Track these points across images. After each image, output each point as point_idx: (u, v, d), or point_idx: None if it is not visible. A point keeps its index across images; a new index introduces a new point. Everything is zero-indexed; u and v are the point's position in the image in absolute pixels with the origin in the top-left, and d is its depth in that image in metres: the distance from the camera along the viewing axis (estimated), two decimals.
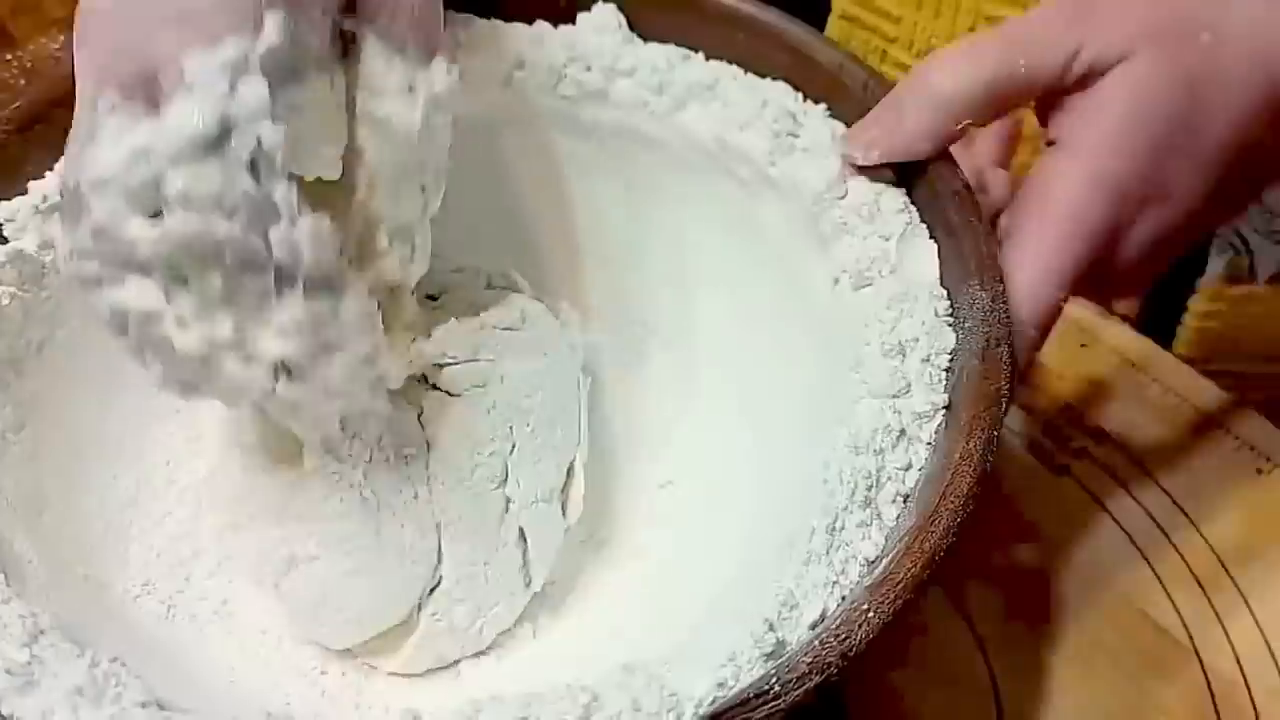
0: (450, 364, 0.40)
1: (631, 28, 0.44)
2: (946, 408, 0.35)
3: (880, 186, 0.40)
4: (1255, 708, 0.45)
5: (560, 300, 0.45)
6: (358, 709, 0.41)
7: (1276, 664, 0.47)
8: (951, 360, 0.36)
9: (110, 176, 0.33)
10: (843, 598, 0.32)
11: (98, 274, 0.34)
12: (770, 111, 0.41)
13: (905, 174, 0.40)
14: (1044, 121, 0.40)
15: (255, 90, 0.32)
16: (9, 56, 0.43)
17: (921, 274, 0.38)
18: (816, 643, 0.30)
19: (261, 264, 0.33)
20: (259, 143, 0.32)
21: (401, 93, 0.36)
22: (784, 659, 0.31)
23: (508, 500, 0.41)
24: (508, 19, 0.44)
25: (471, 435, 0.40)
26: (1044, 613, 0.48)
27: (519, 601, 0.42)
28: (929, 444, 0.35)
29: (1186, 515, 0.50)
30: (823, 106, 0.42)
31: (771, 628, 0.32)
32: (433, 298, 0.44)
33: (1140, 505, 0.51)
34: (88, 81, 0.34)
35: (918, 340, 0.36)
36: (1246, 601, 0.48)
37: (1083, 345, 0.55)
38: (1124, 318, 0.57)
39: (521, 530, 0.41)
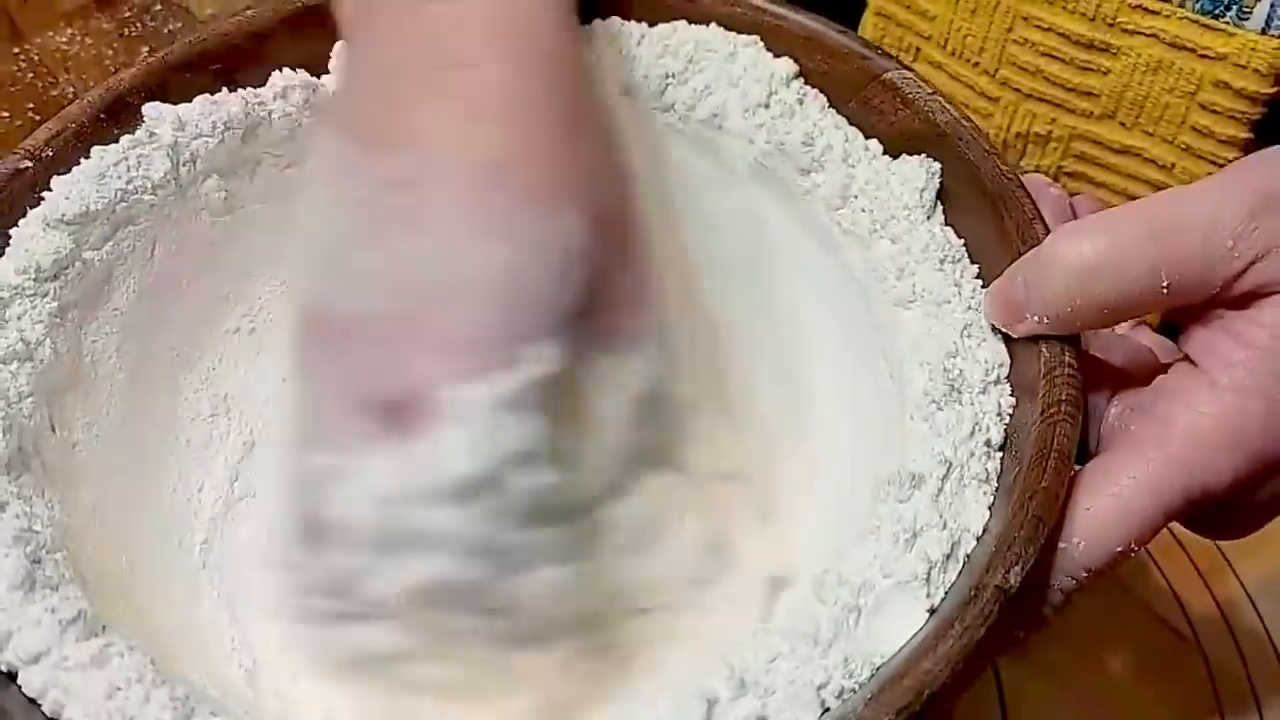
0: None
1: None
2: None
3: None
4: (1258, 701, 0.45)
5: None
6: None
7: (1278, 655, 0.47)
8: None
9: (360, 526, 0.31)
10: None
11: (336, 612, 0.32)
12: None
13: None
14: (1181, 326, 0.34)
15: (534, 428, 0.31)
16: (16, 50, 0.44)
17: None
18: None
19: (505, 609, 0.32)
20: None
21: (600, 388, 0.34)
22: None
23: None
24: None
25: None
26: None
27: None
28: None
29: None
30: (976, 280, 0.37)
31: None
32: None
33: None
34: (327, 394, 0.33)
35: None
36: (1249, 594, 0.48)
37: None
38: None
39: None
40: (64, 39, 0.45)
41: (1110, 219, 0.32)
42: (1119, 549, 0.32)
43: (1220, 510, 0.34)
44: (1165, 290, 0.31)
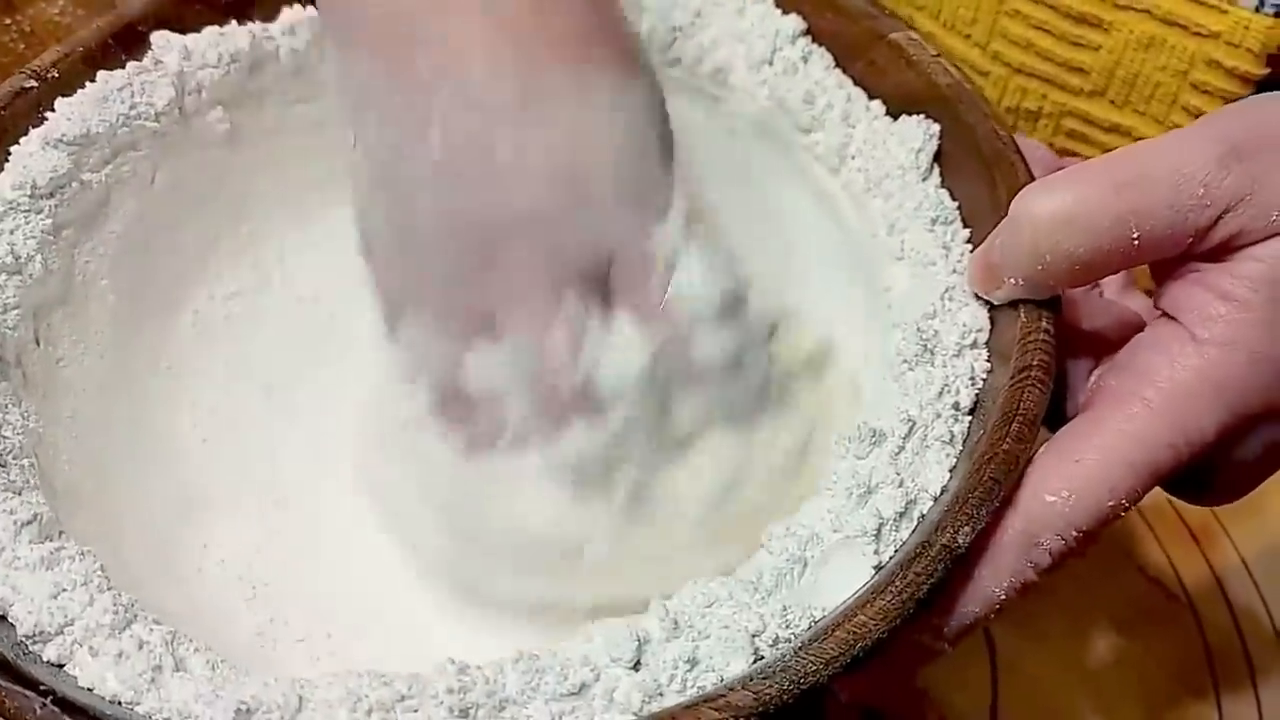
0: None
1: None
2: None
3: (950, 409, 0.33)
4: (1250, 660, 0.46)
5: None
6: None
7: (1270, 616, 0.47)
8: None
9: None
10: None
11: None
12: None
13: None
14: (1157, 278, 0.33)
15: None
16: (8, 20, 0.43)
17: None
18: None
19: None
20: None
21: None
22: None
23: None
24: None
25: None
26: None
27: None
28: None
29: None
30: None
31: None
32: None
33: None
34: (519, 285, 0.33)
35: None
36: (1240, 554, 0.48)
37: None
38: None
39: None
40: (56, 10, 0.44)
41: (1076, 173, 0.31)
42: (1109, 503, 0.31)
43: (1202, 471, 0.33)
44: (1136, 243, 0.30)
